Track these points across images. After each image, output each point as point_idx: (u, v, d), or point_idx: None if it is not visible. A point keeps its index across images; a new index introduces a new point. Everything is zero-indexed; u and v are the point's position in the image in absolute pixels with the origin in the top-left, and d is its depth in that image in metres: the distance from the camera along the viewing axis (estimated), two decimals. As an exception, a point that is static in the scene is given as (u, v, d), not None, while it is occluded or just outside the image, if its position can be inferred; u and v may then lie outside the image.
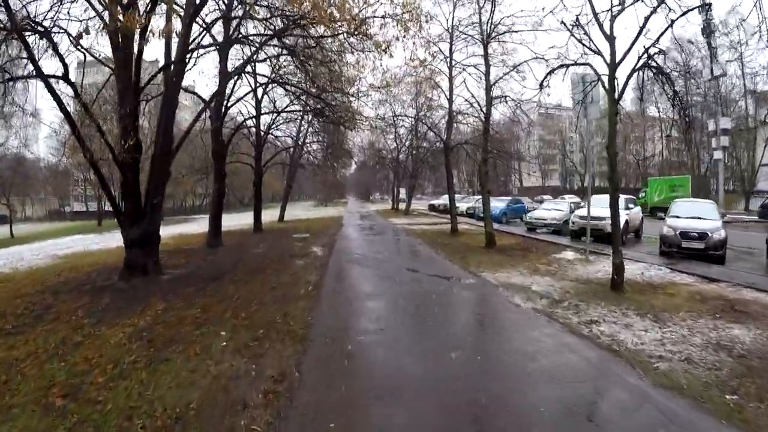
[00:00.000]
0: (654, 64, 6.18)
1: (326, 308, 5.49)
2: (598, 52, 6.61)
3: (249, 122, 15.20)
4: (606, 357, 3.82)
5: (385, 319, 5.05)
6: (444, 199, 30.90)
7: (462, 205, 25.15)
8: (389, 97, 12.09)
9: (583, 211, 12.74)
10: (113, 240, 15.44)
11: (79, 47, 6.28)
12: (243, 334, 4.40)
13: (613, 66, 6.50)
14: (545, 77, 7.53)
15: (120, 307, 5.70)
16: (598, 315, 5.09)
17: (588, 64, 7.02)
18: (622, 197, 14.74)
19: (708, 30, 21.14)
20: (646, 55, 6.07)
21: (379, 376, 3.47)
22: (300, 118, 17.73)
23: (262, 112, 15.21)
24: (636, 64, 6.21)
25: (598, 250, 10.00)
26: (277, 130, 17.84)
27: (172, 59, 7.79)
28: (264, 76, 11.84)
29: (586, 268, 8.07)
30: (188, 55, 11.07)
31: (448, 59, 13.34)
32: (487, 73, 10.67)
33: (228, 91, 11.67)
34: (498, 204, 20.56)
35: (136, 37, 6.67)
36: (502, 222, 19.53)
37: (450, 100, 13.63)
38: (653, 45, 6.02)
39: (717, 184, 27.10)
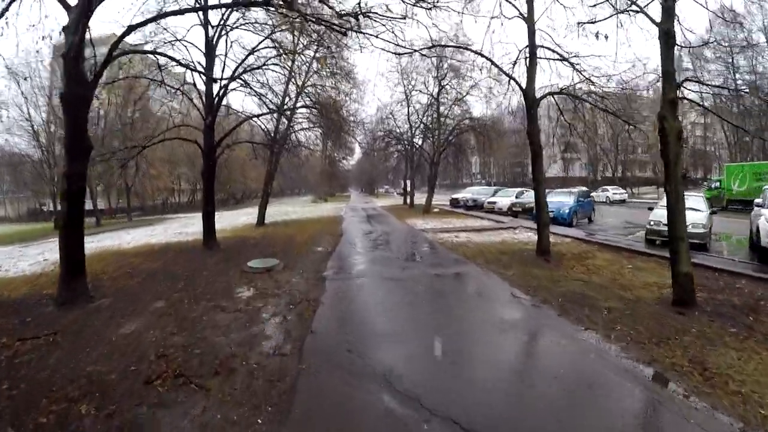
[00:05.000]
0: None
1: None
2: None
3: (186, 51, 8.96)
4: None
5: None
6: (471, 193, 24.93)
7: (501, 200, 19.19)
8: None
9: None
10: (24, 258, 9.76)
11: None
12: None
13: None
14: None
15: None
16: None
17: None
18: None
19: None
20: None
21: None
22: (287, 59, 11.36)
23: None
24: None
25: None
26: (249, 90, 11.69)
27: None
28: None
29: None
30: None
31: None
32: None
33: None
34: (563, 199, 14.60)
35: None
36: (571, 225, 13.63)
37: (530, 20, 7.71)
38: None
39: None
